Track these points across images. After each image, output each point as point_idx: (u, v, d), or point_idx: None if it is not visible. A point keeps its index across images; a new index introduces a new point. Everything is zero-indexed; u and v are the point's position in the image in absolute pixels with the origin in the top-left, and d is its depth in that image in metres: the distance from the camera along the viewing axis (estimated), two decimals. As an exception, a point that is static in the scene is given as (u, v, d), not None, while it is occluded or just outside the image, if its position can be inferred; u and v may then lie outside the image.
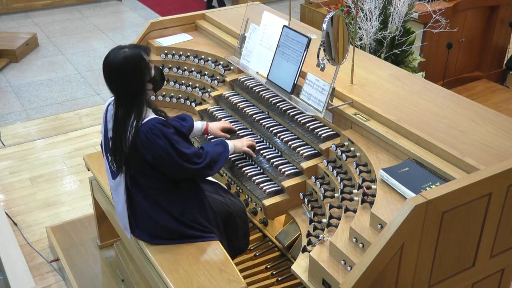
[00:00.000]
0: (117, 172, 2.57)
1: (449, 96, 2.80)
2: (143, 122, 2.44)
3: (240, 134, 3.08)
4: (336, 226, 2.35)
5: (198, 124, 3.03)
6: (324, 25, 2.58)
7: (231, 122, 3.19)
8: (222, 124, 3.08)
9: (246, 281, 2.59)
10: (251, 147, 2.94)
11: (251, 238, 3.12)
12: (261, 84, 3.23)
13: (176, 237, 2.63)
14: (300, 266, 2.38)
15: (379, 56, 4.30)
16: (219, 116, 3.26)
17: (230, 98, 3.32)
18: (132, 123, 2.43)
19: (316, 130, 2.82)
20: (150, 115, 2.49)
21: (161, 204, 2.58)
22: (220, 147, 2.75)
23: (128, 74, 2.43)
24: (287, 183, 2.71)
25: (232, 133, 3.10)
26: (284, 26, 3.03)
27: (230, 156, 2.97)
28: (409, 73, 3.08)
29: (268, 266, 3.08)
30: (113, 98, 2.61)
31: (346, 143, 2.68)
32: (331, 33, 2.61)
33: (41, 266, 3.68)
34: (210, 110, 3.35)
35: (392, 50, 4.34)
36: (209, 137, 3.13)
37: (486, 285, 2.43)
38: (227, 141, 2.85)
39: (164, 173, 2.54)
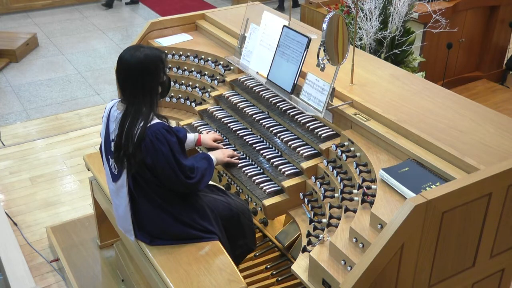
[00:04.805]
0: (118, 172, 2.57)
1: (449, 96, 2.80)
2: (149, 124, 2.44)
3: (240, 134, 3.08)
4: (336, 226, 2.35)
5: (191, 136, 3.03)
6: (324, 25, 2.59)
7: (231, 122, 3.20)
8: (213, 135, 3.09)
9: (246, 281, 2.59)
10: (232, 156, 2.94)
11: (251, 238, 3.11)
12: (261, 84, 3.23)
13: (177, 238, 2.64)
14: (300, 266, 2.38)
15: (379, 56, 4.29)
16: (219, 116, 3.26)
17: (230, 98, 3.32)
18: (139, 123, 2.43)
19: (316, 130, 2.82)
20: (155, 119, 2.49)
21: (163, 206, 2.58)
22: (205, 162, 2.74)
23: (148, 72, 2.45)
24: (287, 183, 2.71)
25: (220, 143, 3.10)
26: (284, 26, 3.03)
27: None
28: (409, 73, 3.08)
29: (268, 266, 3.08)
30: (115, 100, 2.60)
31: (346, 143, 2.68)
32: (331, 33, 2.61)
33: (41, 266, 3.68)
34: (210, 110, 3.35)
35: (392, 50, 4.34)
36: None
37: (486, 285, 2.43)
38: (210, 154, 2.85)
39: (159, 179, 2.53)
